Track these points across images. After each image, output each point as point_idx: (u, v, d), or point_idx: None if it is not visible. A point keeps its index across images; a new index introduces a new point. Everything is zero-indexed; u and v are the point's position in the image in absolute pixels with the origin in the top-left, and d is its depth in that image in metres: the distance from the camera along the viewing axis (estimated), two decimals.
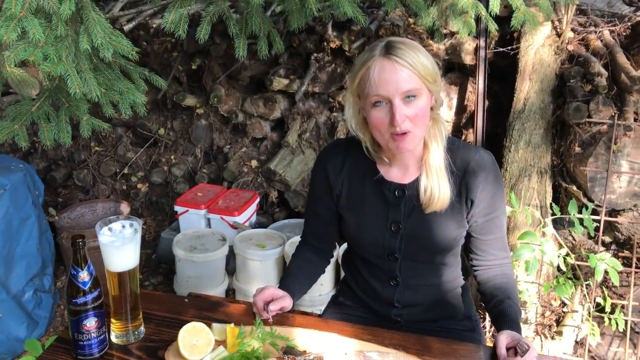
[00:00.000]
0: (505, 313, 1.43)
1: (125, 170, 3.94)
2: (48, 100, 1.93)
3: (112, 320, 1.35)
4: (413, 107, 1.33)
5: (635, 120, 2.56)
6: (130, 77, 2.04)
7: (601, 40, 2.87)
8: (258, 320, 1.35)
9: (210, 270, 2.95)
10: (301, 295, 1.59)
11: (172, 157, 3.88)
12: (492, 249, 1.51)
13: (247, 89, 3.69)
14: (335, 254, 1.74)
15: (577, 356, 2.59)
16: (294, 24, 2.06)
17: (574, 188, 2.68)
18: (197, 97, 3.76)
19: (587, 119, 2.61)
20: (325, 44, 3.33)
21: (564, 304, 2.68)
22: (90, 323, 1.26)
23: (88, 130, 1.95)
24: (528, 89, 2.88)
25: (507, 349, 1.30)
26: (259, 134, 3.66)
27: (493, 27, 2.17)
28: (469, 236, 1.51)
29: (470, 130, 3.29)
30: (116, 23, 3.03)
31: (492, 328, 2.56)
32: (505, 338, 1.32)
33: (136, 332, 1.36)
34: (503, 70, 3.19)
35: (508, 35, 3.12)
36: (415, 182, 1.44)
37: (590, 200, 2.58)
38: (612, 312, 2.47)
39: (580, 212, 2.42)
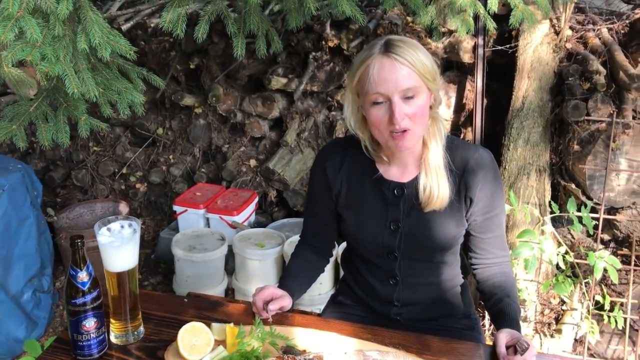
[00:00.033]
0: (504, 311, 1.43)
1: (124, 170, 3.94)
2: (46, 101, 1.92)
3: (112, 320, 1.35)
4: (412, 106, 1.33)
5: (633, 118, 2.56)
6: (129, 76, 2.04)
7: (599, 38, 2.87)
8: (257, 320, 1.35)
9: (210, 270, 2.94)
10: (301, 295, 1.59)
11: (171, 156, 3.88)
12: (491, 247, 1.51)
13: (246, 88, 3.68)
14: (334, 253, 1.74)
15: (577, 354, 2.59)
16: (292, 23, 2.06)
17: (573, 186, 2.68)
18: (195, 96, 3.76)
19: (586, 117, 2.61)
20: (323, 42, 3.33)
21: (563, 302, 2.68)
22: (90, 323, 1.26)
23: (86, 130, 1.94)
24: (527, 87, 2.88)
25: (507, 348, 1.30)
26: (258, 133, 3.65)
27: (491, 25, 2.17)
28: (468, 235, 1.51)
29: (469, 129, 3.29)
30: (114, 22, 3.03)
31: (492, 326, 2.56)
32: (504, 336, 1.32)
33: (135, 332, 1.36)
34: (501, 69, 3.19)
35: (506, 33, 3.12)
36: (415, 181, 1.44)
37: (589, 198, 2.58)
38: (611, 309, 2.48)
39: (579, 210, 2.42)
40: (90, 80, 1.75)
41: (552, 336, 2.62)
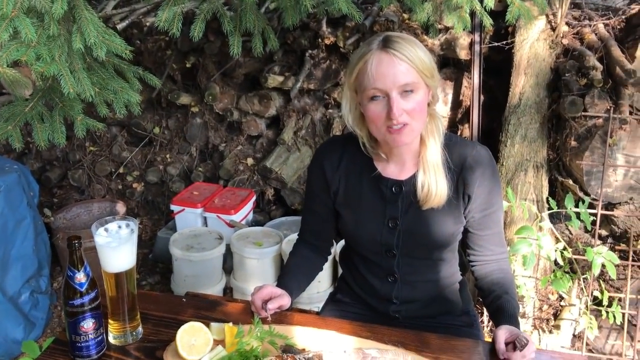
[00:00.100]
0: (503, 308, 1.43)
1: (121, 170, 3.93)
2: (41, 101, 1.91)
3: (110, 321, 1.35)
4: (410, 101, 1.32)
5: (630, 113, 2.56)
6: (124, 76, 2.03)
7: (596, 34, 2.87)
8: (256, 319, 1.34)
9: (208, 269, 2.94)
10: (299, 293, 1.59)
11: (168, 156, 3.87)
12: (489, 244, 1.51)
13: (242, 86, 3.68)
14: (332, 251, 1.74)
15: (575, 349, 2.59)
16: (288, 21, 2.06)
17: (570, 182, 2.68)
18: (191, 95, 3.75)
19: (583, 113, 2.61)
20: (319, 40, 3.32)
21: (561, 298, 2.68)
22: (88, 324, 1.25)
23: (82, 130, 1.94)
24: (523, 84, 2.88)
25: (506, 344, 1.30)
26: (255, 131, 3.65)
27: (488, 21, 2.16)
28: (466, 232, 1.51)
29: (466, 125, 3.29)
30: (109, 22, 3.01)
31: (490, 323, 2.56)
32: (504, 333, 1.32)
33: (134, 333, 1.36)
34: (498, 65, 3.19)
35: (503, 29, 3.12)
36: (413, 178, 1.44)
37: (587, 194, 2.59)
38: (610, 305, 2.48)
39: (576, 206, 2.42)
40: (86, 80, 1.75)
41: (550, 332, 2.63)
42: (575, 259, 2.47)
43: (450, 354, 1.31)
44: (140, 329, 1.37)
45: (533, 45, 2.92)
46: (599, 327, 2.54)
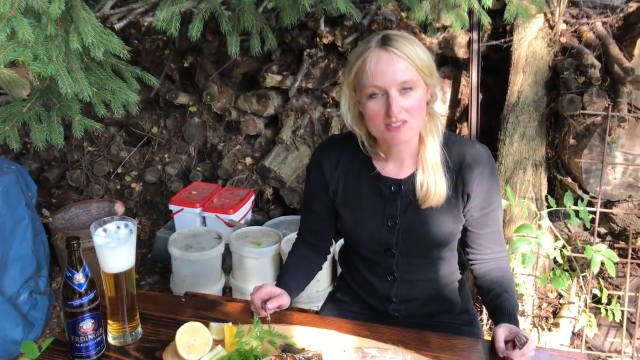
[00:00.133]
0: (502, 306, 1.43)
1: (119, 170, 3.92)
2: (39, 101, 1.91)
3: (109, 321, 1.34)
4: (409, 99, 1.32)
5: (629, 111, 2.57)
6: (122, 76, 2.03)
7: (594, 32, 2.87)
8: (256, 319, 1.34)
9: (207, 269, 2.94)
10: (299, 293, 1.59)
11: (166, 155, 3.87)
12: (488, 242, 1.51)
13: (240, 86, 3.67)
14: (331, 250, 1.74)
15: (574, 347, 2.60)
16: (286, 20, 2.05)
17: (569, 180, 2.69)
18: (189, 95, 3.75)
19: (581, 111, 2.61)
20: (317, 39, 3.32)
21: (560, 296, 2.69)
22: (87, 325, 1.25)
23: (80, 131, 1.93)
24: (522, 82, 2.88)
25: (506, 342, 1.30)
26: (253, 131, 3.64)
27: (486, 20, 2.16)
28: (465, 230, 1.51)
29: (465, 124, 3.29)
30: (107, 22, 3.00)
31: (489, 321, 2.56)
32: (503, 331, 1.32)
33: (133, 333, 1.35)
34: (496, 64, 3.19)
35: (501, 28, 3.12)
36: (412, 177, 1.44)
37: (585, 192, 2.59)
38: (609, 303, 2.48)
39: (575, 204, 2.42)
40: (83, 80, 1.75)
41: (549, 330, 2.63)
42: (575, 257, 2.47)
43: (449, 352, 1.31)
44: (139, 329, 1.37)
45: (531, 44, 2.92)
46: (598, 325, 2.54)
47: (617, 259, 2.32)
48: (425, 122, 1.40)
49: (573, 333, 2.63)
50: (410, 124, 1.34)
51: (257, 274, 2.86)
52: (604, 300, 2.49)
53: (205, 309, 1.48)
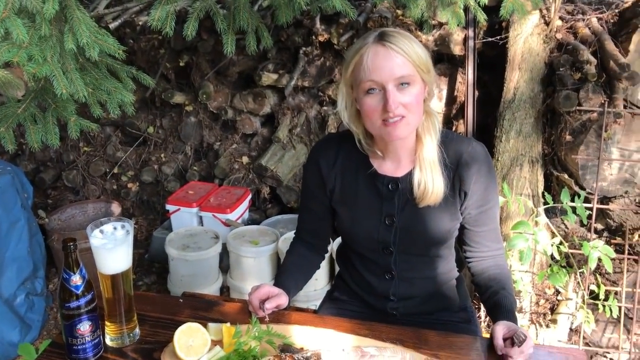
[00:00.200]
0: (500, 304, 1.43)
1: (115, 170, 3.91)
2: (34, 102, 1.90)
3: (107, 323, 1.34)
4: (407, 94, 1.32)
5: (625, 107, 2.57)
6: (118, 76, 2.02)
7: (589, 28, 2.87)
8: (254, 319, 1.34)
9: (204, 269, 2.93)
10: (297, 292, 1.58)
11: (162, 155, 3.86)
12: (485, 240, 1.51)
13: (236, 84, 3.66)
14: (329, 248, 1.73)
15: (572, 343, 2.60)
16: (282, 19, 2.05)
17: (566, 176, 2.69)
18: (185, 94, 3.74)
19: (577, 107, 2.61)
20: (313, 37, 3.31)
21: (558, 292, 2.69)
22: (84, 327, 1.24)
23: (76, 131, 1.92)
24: (518, 79, 2.88)
25: (504, 340, 1.30)
26: (249, 129, 3.64)
27: (482, 17, 2.16)
28: (462, 228, 1.51)
29: (461, 121, 3.29)
30: (101, 21, 2.99)
31: (487, 318, 2.57)
32: (501, 329, 1.32)
33: (131, 335, 1.35)
34: (492, 60, 3.19)
35: (497, 25, 3.12)
36: (409, 176, 1.43)
37: (582, 188, 2.59)
38: (606, 298, 2.49)
39: (572, 200, 2.43)
40: (78, 81, 1.74)
41: (547, 326, 2.64)
42: (572, 253, 2.47)
43: (448, 350, 1.31)
44: (137, 330, 1.37)
45: (527, 40, 2.92)
46: (596, 321, 2.55)
47: (614, 255, 2.32)
48: (423, 120, 1.40)
49: (571, 329, 2.64)
50: (408, 119, 1.34)
51: (254, 273, 2.85)
52: (602, 296, 2.49)
53: (203, 310, 1.48)
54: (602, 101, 2.56)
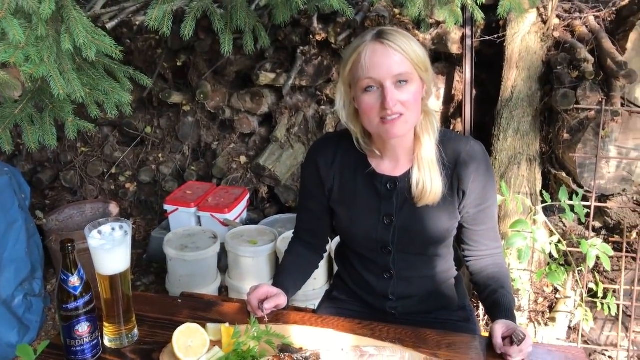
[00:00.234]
0: (499, 303, 1.43)
1: (113, 170, 3.90)
2: (31, 103, 1.89)
3: (105, 324, 1.33)
4: (405, 92, 1.32)
5: (622, 105, 2.57)
6: (115, 76, 2.01)
7: (586, 26, 2.87)
8: (253, 319, 1.34)
9: (203, 269, 2.93)
10: (295, 292, 1.58)
11: (160, 155, 3.85)
12: (484, 239, 1.51)
13: (234, 84, 3.66)
14: (328, 248, 1.73)
15: (571, 341, 2.61)
16: (279, 18, 2.04)
17: (564, 175, 2.69)
18: (183, 94, 3.73)
19: (575, 106, 2.62)
20: (311, 36, 3.31)
21: (556, 291, 2.69)
22: (83, 328, 1.24)
23: (74, 132, 1.92)
24: (515, 77, 2.88)
25: (503, 338, 1.30)
26: (247, 129, 3.63)
27: (479, 15, 2.15)
28: (460, 227, 1.51)
29: (459, 120, 3.29)
30: (98, 21, 2.98)
31: (486, 317, 2.57)
32: (500, 328, 1.32)
33: (130, 335, 1.35)
34: (490, 59, 3.19)
35: (494, 23, 3.12)
36: (407, 175, 1.43)
37: (580, 187, 2.59)
38: (604, 296, 2.49)
39: (570, 198, 2.43)
40: (76, 81, 1.73)
41: (546, 324, 2.64)
42: (570, 252, 2.48)
43: (447, 349, 1.31)
44: (136, 331, 1.36)
45: (524, 39, 2.92)
46: (594, 319, 2.56)
47: (612, 253, 2.32)
48: (421, 119, 1.40)
49: (569, 327, 2.64)
50: (406, 117, 1.34)
51: (253, 273, 2.85)
52: (600, 294, 2.50)
53: (202, 310, 1.48)
54: (600, 99, 2.57)
